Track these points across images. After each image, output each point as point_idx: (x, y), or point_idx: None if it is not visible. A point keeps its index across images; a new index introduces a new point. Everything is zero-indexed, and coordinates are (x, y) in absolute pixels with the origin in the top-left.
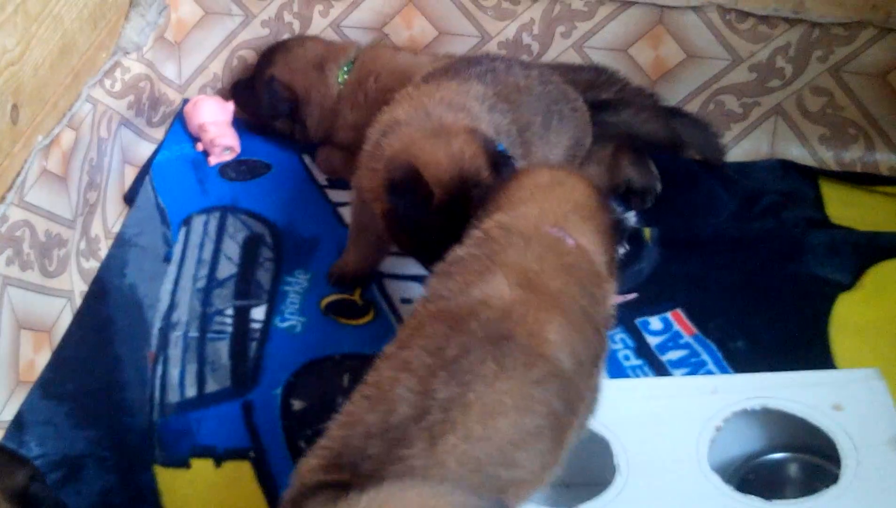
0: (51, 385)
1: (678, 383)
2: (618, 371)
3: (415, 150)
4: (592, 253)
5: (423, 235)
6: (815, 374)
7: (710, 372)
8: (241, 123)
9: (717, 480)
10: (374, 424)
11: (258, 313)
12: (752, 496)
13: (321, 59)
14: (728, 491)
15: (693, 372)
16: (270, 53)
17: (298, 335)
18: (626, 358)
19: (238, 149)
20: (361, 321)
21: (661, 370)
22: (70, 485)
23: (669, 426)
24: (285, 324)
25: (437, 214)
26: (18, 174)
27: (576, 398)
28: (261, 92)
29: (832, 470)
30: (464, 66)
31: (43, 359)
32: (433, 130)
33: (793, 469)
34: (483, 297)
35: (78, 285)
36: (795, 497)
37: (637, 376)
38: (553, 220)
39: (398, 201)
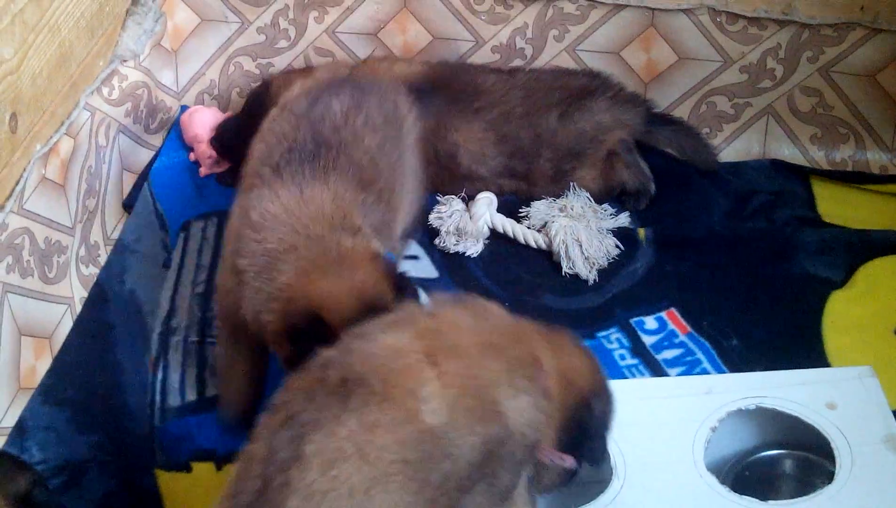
0: (52, 391)
1: (673, 383)
2: (614, 371)
3: (313, 290)
4: None
5: None
6: (808, 372)
7: (704, 371)
8: None
9: (713, 480)
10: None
11: None
12: (748, 496)
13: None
14: (724, 492)
15: (688, 371)
16: (259, 99)
17: None
18: (622, 357)
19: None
20: None
21: (656, 368)
22: (72, 490)
23: (665, 426)
24: None
25: None
26: (17, 182)
27: (440, 456)
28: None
29: (827, 466)
30: (307, 155)
31: (44, 365)
32: (331, 261)
33: (788, 465)
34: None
35: (78, 292)
36: (791, 492)
37: (633, 375)
38: None
39: (303, 347)
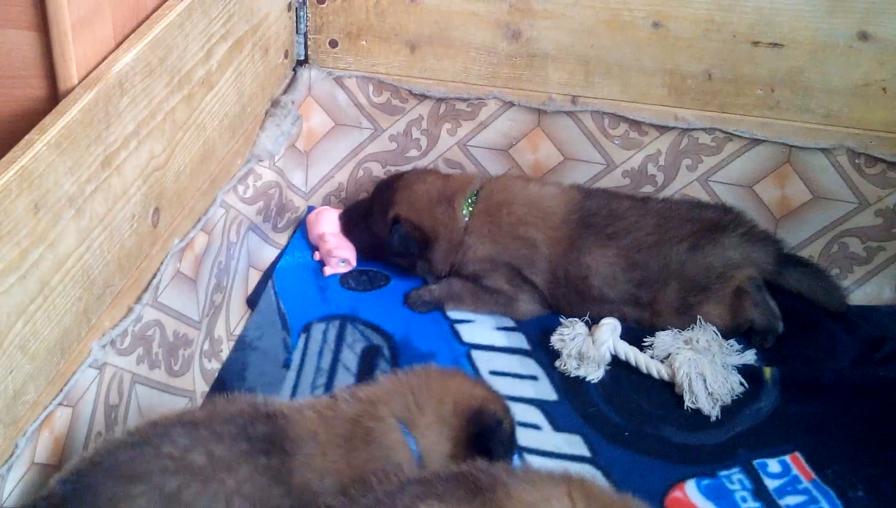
0: None
1: None
2: None
3: None
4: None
5: None
6: None
7: None
8: None
9: None
10: None
11: None
12: None
13: (446, 194)
14: None
15: None
16: (389, 190)
17: None
18: (744, 500)
19: (354, 262)
20: None
21: None
22: None
23: None
24: None
25: None
26: (154, 276)
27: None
28: (379, 229)
29: None
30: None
31: None
32: None
33: None
34: None
35: (200, 386)
36: None
37: None
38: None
39: None
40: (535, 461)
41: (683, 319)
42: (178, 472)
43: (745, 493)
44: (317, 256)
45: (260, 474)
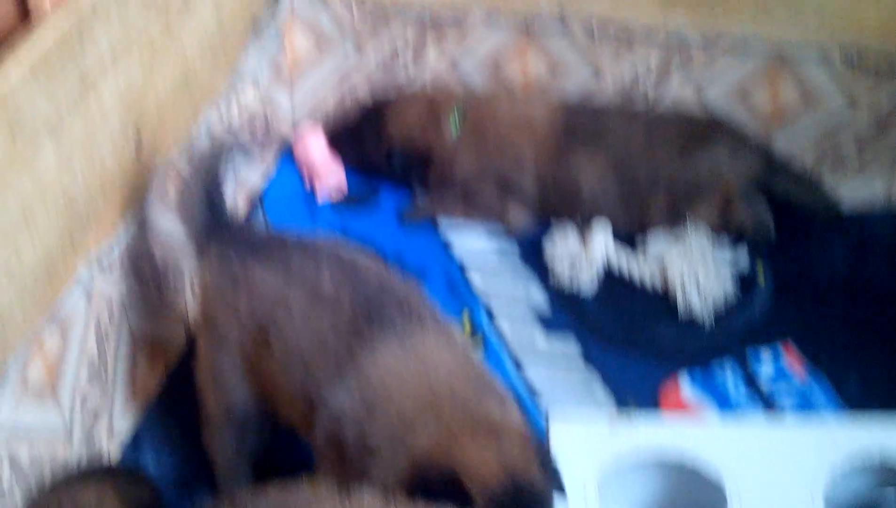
0: (167, 406)
1: (793, 425)
2: (725, 401)
3: (458, 452)
4: None
5: None
6: None
7: (820, 407)
8: None
9: None
10: None
11: None
12: None
13: (433, 113)
14: None
15: (802, 405)
16: (379, 116)
17: None
18: (735, 387)
19: (345, 188)
20: None
21: (769, 402)
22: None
23: (784, 470)
24: None
25: None
26: (139, 198)
27: None
28: (373, 155)
29: None
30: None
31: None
32: (476, 423)
33: None
34: None
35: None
36: None
37: (744, 406)
38: None
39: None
40: (527, 361)
41: (674, 224)
42: None
43: (736, 380)
44: (306, 180)
45: None
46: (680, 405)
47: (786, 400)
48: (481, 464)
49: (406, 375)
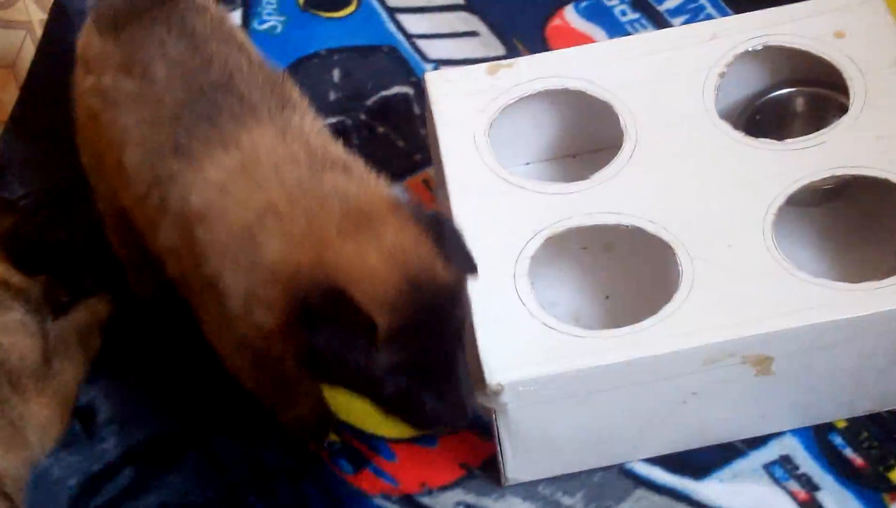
0: (24, 123)
1: (675, 33)
2: (614, 28)
3: (331, 258)
4: None
5: (376, 388)
6: (813, 3)
7: (709, 16)
8: None
9: (727, 128)
10: None
11: (234, 17)
12: (764, 138)
13: None
14: (739, 137)
15: (692, 19)
16: None
17: (279, 35)
18: (623, 13)
19: None
20: (346, 12)
21: (660, 20)
22: (60, 219)
23: (672, 80)
24: (264, 26)
25: (390, 351)
26: None
27: None
28: None
29: (839, 99)
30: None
31: (10, 97)
32: (345, 215)
33: (799, 104)
34: None
35: (35, 14)
36: (804, 130)
37: (635, 30)
38: None
39: (325, 342)
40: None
41: None
42: None
43: (624, 6)
44: None
45: None
46: (569, 40)
47: (675, 17)
48: (364, 270)
49: (230, 186)
